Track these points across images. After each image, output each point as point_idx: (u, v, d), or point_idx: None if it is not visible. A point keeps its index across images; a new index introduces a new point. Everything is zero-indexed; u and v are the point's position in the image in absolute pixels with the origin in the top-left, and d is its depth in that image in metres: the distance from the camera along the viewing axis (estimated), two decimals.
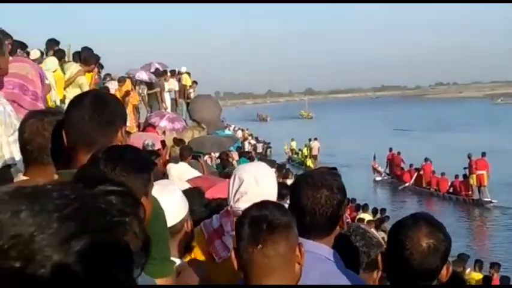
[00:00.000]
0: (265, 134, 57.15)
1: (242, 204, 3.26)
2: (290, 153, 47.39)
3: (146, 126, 15.80)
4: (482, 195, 28.36)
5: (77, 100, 2.62)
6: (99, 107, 2.52)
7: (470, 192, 29.06)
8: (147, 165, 2.25)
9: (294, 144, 48.13)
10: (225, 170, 13.43)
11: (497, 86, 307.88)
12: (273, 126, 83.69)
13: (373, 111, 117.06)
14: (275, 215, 2.17)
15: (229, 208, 3.48)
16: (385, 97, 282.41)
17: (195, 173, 10.54)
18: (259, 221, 2.16)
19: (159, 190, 3.02)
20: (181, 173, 10.06)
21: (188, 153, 11.33)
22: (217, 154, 18.54)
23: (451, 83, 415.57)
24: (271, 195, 3.31)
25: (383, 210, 21.34)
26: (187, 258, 3.34)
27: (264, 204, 2.27)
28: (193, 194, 4.95)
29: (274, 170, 21.11)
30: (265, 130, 65.94)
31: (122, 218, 1.10)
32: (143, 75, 19.72)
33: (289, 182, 20.21)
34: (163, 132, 15.29)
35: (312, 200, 2.57)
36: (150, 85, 18.69)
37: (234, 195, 3.41)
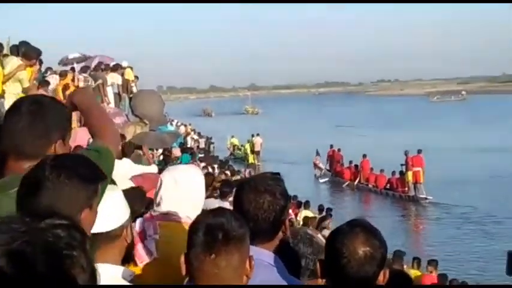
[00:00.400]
0: (210, 129, 57.08)
1: (163, 208, 3.35)
2: (232, 149, 47.52)
3: None
4: (417, 192, 28.84)
5: (15, 106, 2.55)
6: (35, 118, 2.46)
7: (406, 189, 29.54)
8: (95, 177, 2.17)
9: (235, 141, 48.18)
10: (165, 165, 13.42)
11: (438, 84, 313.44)
12: (218, 122, 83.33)
13: (317, 107, 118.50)
14: (232, 226, 2.15)
15: (152, 212, 3.46)
16: (328, 93, 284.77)
17: (139, 168, 10.53)
18: (215, 229, 2.14)
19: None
20: (124, 170, 10.03)
21: (131, 149, 11.28)
22: (160, 150, 18.49)
23: (392, 79, 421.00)
24: (192, 200, 3.36)
25: (328, 209, 20.97)
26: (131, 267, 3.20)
27: (221, 213, 2.24)
28: (134, 194, 4.97)
29: (216, 166, 21.26)
30: (210, 125, 65.92)
31: (69, 252, 1.14)
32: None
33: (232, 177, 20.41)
34: None
35: (254, 205, 2.56)
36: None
37: (156, 198, 3.43)
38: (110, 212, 2.70)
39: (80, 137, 11.37)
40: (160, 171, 12.25)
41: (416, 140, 37.34)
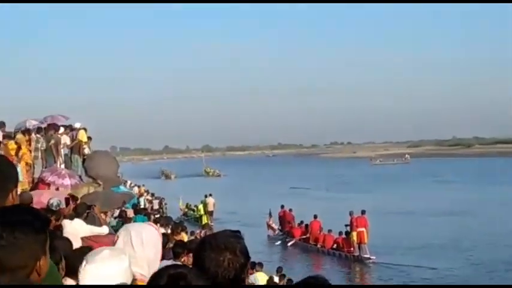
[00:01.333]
0: (170, 192, 56.77)
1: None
2: (185, 210, 47.57)
3: (38, 182, 15.57)
4: (362, 252, 29.28)
5: None
6: None
7: (352, 249, 29.89)
8: (43, 225, 2.25)
9: (180, 203, 48.91)
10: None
11: (389, 146, 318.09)
12: (178, 184, 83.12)
13: (271, 169, 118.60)
14: (193, 277, 2.16)
15: None
16: (282, 155, 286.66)
17: (90, 229, 10.56)
18: (177, 279, 2.14)
19: (110, 256, 3.21)
20: (76, 230, 10.05)
21: (83, 209, 11.31)
22: (117, 211, 18.46)
23: (345, 142, 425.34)
24: (147, 257, 3.41)
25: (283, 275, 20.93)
26: None
27: (181, 266, 2.29)
28: (83, 253, 5.04)
29: (170, 227, 21.15)
30: (170, 188, 65.90)
31: None
32: (33, 123, 19.60)
33: (186, 238, 20.35)
34: (57, 188, 15.09)
35: (215, 262, 2.56)
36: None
37: None
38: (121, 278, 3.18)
39: (35, 201, 11.43)
40: (116, 231, 12.28)
41: (363, 201, 39.39)
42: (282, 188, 68.26)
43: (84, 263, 3.36)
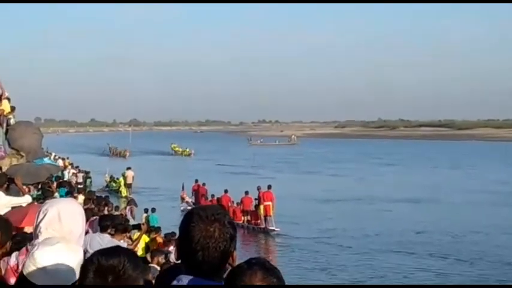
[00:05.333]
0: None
1: (41, 239, 3.32)
2: (108, 181, 48.52)
3: None
4: (268, 224, 31.08)
5: None
6: None
7: (259, 221, 31.82)
8: None
9: (106, 176, 49.67)
10: (45, 199, 13.21)
11: (317, 126, 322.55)
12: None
13: (201, 144, 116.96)
14: (125, 268, 2.14)
15: (28, 246, 3.49)
16: (210, 132, 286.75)
17: (9, 200, 10.41)
18: (106, 272, 2.12)
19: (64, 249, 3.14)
20: None
21: (3, 180, 11.09)
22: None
23: (273, 121, 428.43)
24: (73, 232, 3.39)
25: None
26: None
27: (115, 253, 2.22)
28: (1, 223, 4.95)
29: (91, 202, 20.95)
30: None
31: None
32: None
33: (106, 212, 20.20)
34: None
35: (205, 233, 2.52)
36: None
37: (36, 230, 3.44)
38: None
39: None
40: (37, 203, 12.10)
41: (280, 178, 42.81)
42: (210, 165, 69.29)
43: (34, 248, 3.24)
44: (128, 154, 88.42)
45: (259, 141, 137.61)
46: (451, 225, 31.26)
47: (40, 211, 3.46)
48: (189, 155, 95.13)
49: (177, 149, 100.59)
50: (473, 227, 30.99)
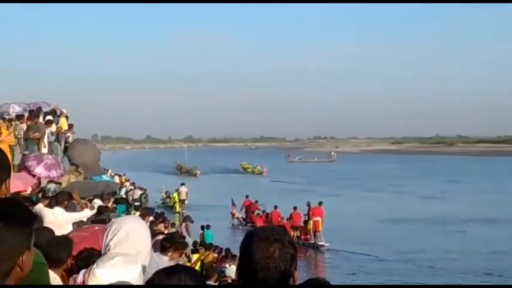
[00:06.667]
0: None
1: (108, 255, 3.42)
2: (164, 197, 49.30)
3: (21, 169, 15.33)
4: (317, 239, 31.31)
5: None
6: None
7: (308, 236, 31.97)
8: (29, 219, 2.22)
9: (163, 192, 50.37)
10: (100, 215, 13.31)
11: (372, 142, 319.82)
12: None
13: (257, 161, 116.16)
14: (186, 286, 2.23)
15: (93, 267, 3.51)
16: (265, 148, 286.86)
17: (71, 216, 10.54)
18: None
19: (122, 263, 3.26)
20: (57, 219, 10.02)
21: (64, 197, 11.23)
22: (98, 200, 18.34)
23: (328, 137, 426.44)
24: (141, 252, 3.43)
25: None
26: None
27: (175, 271, 2.33)
28: (59, 242, 4.99)
29: (151, 217, 21.14)
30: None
31: None
32: (16, 108, 19.32)
33: (163, 229, 20.33)
34: (38, 179, 14.88)
35: (265, 254, 2.51)
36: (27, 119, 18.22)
37: (105, 248, 3.49)
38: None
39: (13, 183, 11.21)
40: (93, 221, 12.21)
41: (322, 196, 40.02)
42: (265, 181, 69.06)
43: (94, 266, 3.43)
44: (198, 172, 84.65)
45: (297, 158, 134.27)
46: None
47: (110, 230, 3.51)
48: (261, 173, 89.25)
49: (247, 166, 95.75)
50: None
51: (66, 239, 5.02)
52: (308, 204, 32.66)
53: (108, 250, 3.43)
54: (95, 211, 12.56)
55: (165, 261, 8.95)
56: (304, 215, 32.55)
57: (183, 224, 29.03)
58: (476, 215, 40.58)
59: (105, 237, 3.51)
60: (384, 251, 29.10)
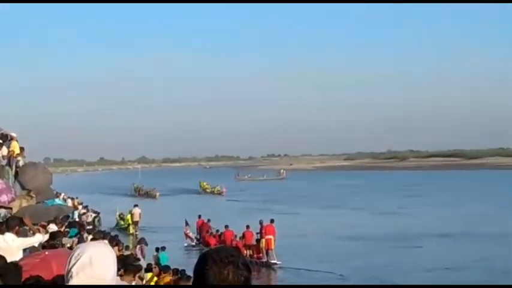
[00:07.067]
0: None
1: (72, 284, 3.39)
2: (118, 219, 48.84)
3: None
4: (269, 258, 31.43)
5: None
6: None
7: (261, 255, 32.05)
8: None
9: (117, 214, 49.77)
10: (53, 240, 13.15)
11: (326, 159, 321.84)
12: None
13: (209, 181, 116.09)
14: None
15: None
16: (219, 167, 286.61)
17: (23, 242, 10.40)
18: None
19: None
20: (8, 244, 9.89)
21: (15, 223, 11.09)
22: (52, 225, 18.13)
23: (282, 154, 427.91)
24: (104, 278, 3.43)
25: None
26: None
27: None
28: (10, 269, 4.96)
29: (106, 241, 20.93)
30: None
31: None
32: None
33: (117, 252, 20.15)
34: None
35: (219, 277, 2.51)
36: None
37: (67, 275, 3.46)
38: None
39: None
40: (44, 246, 12.07)
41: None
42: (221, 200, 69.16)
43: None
44: (157, 194, 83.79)
45: (246, 176, 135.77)
46: (484, 261, 30.12)
47: (73, 255, 3.48)
48: (221, 193, 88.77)
49: (206, 186, 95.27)
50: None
51: (15, 266, 4.97)
52: (260, 223, 32.82)
53: (71, 276, 3.40)
54: (47, 236, 12.42)
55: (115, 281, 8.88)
56: (257, 233, 32.72)
57: (138, 246, 28.80)
58: (432, 229, 41.16)
59: (68, 263, 3.48)
60: (341, 268, 29.22)
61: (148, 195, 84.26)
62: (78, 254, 3.46)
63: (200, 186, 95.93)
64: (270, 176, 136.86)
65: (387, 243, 36.70)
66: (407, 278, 26.54)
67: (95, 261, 3.41)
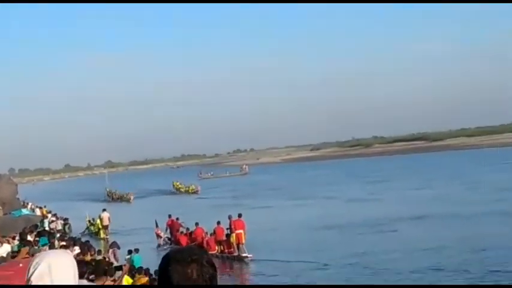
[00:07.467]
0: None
1: None
2: (88, 224, 48.20)
3: None
4: (240, 252, 31.71)
5: None
6: None
7: (232, 249, 32.29)
8: None
9: (86, 219, 49.11)
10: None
11: (292, 151, 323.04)
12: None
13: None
14: None
15: None
16: (186, 166, 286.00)
17: None
18: None
19: None
20: None
21: None
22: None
23: (248, 149, 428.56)
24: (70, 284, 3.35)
25: None
26: None
27: None
28: None
29: (77, 247, 20.72)
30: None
31: None
32: None
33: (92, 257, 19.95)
34: None
35: (183, 276, 2.47)
36: None
37: (28, 282, 3.38)
38: None
39: None
40: (14, 255, 11.84)
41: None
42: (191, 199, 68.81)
43: None
44: (132, 197, 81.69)
45: (209, 174, 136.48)
46: (461, 240, 29.96)
47: (31, 264, 3.40)
48: (196, 191, 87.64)
49: (180, 186, 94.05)
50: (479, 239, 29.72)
51: None
52: (229, 218, 32.85)
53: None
54: (14, 244, 12.22)
55: (84, 285, 8.76)
56: (227, 228, 32.83)
57: (110, 250, 28.55)
58: (405, 213, 41.14)
59: (27, 272, 3.39)
60: (320, 257, 28.99)
61: (122, 199, 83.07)
62: (37, 263, 3.39)
63: (173, 186, 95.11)
64: (232, 172, 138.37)
65: (362, 229, 36.54)
66: (389, 263, 26.36)
67: (54, 269, 3.35)
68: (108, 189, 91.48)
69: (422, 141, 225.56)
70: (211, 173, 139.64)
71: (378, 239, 33.15)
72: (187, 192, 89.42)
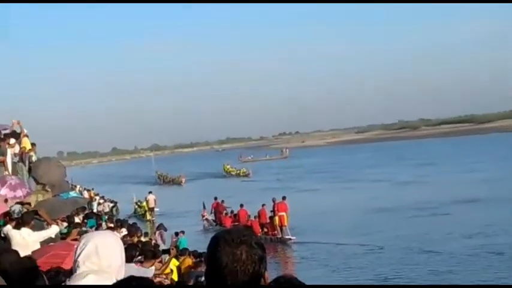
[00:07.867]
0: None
1: (79, 272, 3.39)
2: (136, 206, 49.02)
3: None
4: (283, 234, 31.94)
5: None
6: None
7: (275, 232, 32.47)
8: None
9: (134, 200, 50.32)
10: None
11: (337, 134, 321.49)
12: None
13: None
14: None
15: (67, 281, 3.54)
16: (231, 149, 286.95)
17: (38, 236, 10.42)
18: None
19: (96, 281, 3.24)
20: (25, 240, 9.91)
21: (30, 217, 11.10)
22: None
23: (293, 132, 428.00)
24: (111, 265, 3.40)
25: None
26: None
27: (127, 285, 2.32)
28: (23, 264, 4.90)
29: (124, 229, 20.98)
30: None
31: None
32: None
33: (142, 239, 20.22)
34: (5, 200, 14.72)
35: (232, 257, 2.44)
36: None
37: (74, 264, 3.46)
38: None
39: None
40: (63, 237, 12.07)
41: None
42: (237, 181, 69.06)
43: (67, 281, 3.46)
44: (183, 180, 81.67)
45: (249, 157, 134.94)
46: None
47: (78, 245, 3.48)
48: (247, 175, 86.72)
49: (231, 169, 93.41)
50: None
51: (29, 260, 4.94)
52: (273, 200, 33.11)
53: (78, 266, 3.39)
54: (63, 227, 12.43)
55: (133, 269, 8.87)
56: (270, 211, 32.99)
57: (157, 232, 28.89)
58: (456, 196, 40.21)
59: (75, 253, 3.47)
60: (372, 240, 28.61)
61: (174, 182, 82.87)
62: (84, 244, 3.45)
63: (224, 170, 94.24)
64: (273, 156, 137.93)
65: (413, 212, 36.06)
66: (444, 246, 25.83)
67: (101, 249, 3.40)
68: (158, 172, 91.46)
69: (470, 124, 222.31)
70: (251, 156, 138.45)
71: (431, 222, 32.68)
72: (238, 175, 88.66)
